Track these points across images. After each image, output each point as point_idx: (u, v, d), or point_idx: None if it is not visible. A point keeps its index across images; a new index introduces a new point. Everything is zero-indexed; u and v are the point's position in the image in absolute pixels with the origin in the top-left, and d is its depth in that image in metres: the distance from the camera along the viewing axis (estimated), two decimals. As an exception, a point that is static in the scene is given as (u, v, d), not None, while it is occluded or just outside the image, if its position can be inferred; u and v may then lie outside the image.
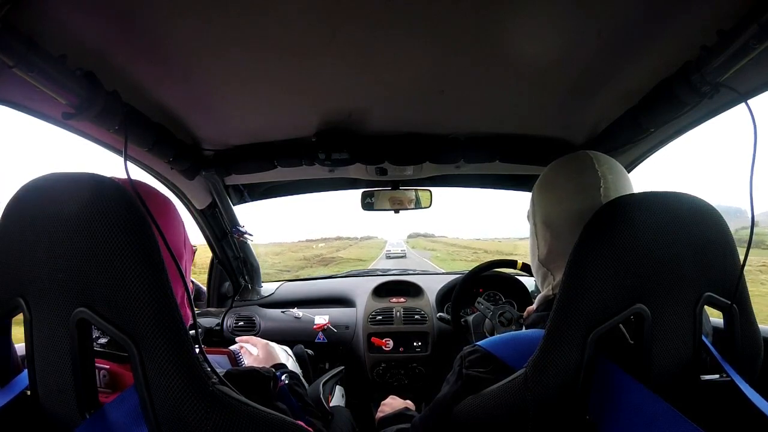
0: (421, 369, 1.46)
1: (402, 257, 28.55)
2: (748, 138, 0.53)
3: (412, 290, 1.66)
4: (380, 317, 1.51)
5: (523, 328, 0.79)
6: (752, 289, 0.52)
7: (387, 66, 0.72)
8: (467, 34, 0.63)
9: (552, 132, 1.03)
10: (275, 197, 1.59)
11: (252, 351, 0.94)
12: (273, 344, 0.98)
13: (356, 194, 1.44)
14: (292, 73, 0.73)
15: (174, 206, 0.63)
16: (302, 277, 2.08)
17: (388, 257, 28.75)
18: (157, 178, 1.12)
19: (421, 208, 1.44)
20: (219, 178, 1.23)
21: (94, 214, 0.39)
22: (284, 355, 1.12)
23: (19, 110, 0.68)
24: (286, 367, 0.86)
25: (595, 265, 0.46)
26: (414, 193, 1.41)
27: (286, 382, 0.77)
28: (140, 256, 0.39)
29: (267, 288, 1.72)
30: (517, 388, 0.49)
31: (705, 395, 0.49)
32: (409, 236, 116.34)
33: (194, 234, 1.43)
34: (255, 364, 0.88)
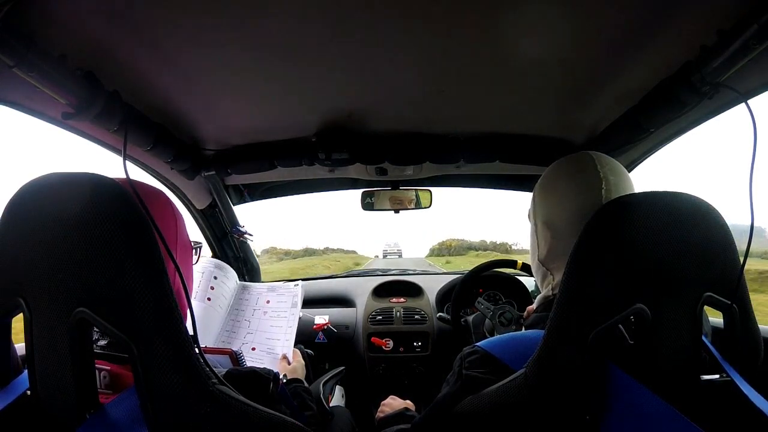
0: (421, 369, 1.46)
1: (398, 256, 29.06)
2: (748, 140, 0.53)
3: (412, 290, 1.66)
4: (380, 317, 1.51)
5: (523, 328, 0.80)
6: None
7: (387, 66, 0.72)
8: (467, 34, 0.63)
9: (552, 132, 1.03)
10: (275, 197, 1.59)
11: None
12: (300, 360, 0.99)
13: (350, 195, 1.41)
14: (292, 72, 0.73)
15: (172, 206, 0.63)
16: (302, 277, 2.07)
17: (385, 256, 29.40)
18: (157, 178, 1.12)
19: (421, 208, 1.44)
20: (219, 178, 1.23)
21: (94, 214, 0.39)
22: None
23: (19, 110, 0.68)
24: (302, 382, 0.85)
25: (595, 264, 0.46)
26: (414, 193, 1.41)
27: (284, 381, 0.77)
28: (140, 256, 0.39)
29: (267, 288, 1.72)
30: (517, 389, 0.49)
31: (705, 395, 0.48)
32: (434, 251, 58.28)
33: (194, 234, 1.43)
34: (289, 375, 0.89)
